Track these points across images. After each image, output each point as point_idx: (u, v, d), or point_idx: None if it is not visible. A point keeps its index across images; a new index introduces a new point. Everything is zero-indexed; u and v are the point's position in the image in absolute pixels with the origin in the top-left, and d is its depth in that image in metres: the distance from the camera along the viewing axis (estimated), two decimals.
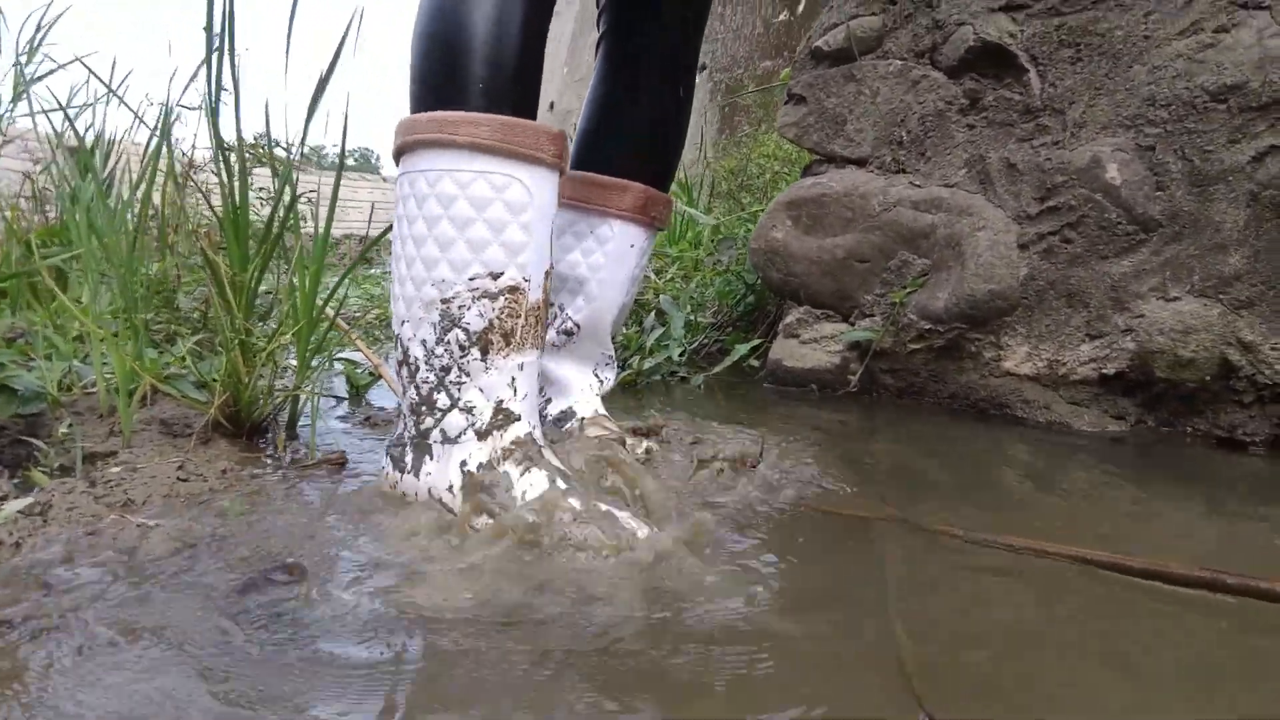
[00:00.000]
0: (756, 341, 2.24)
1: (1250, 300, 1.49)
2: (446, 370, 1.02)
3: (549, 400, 1.42)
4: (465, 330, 1.01)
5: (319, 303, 1.44)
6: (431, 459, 1.03)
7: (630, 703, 0.64)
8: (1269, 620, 0.82)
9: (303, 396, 1.46)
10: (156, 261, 1.80)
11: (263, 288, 1.57)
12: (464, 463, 1.00)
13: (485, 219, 1.00)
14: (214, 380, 1.33)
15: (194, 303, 1.85)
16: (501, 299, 1.02)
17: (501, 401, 1.03)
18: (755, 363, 2.25)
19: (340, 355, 2.03)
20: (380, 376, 1.86)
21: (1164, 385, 1.57)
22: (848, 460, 1.38)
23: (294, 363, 1.45)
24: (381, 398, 1.84)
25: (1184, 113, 1.56)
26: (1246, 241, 1.50)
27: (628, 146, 1.41)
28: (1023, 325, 1.73)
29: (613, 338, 1.47)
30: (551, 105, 8.83)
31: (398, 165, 1.06)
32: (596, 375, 1.46)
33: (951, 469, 1.38)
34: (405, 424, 1.06)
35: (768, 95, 4.45)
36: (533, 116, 1.05)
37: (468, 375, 1.02)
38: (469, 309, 1.01)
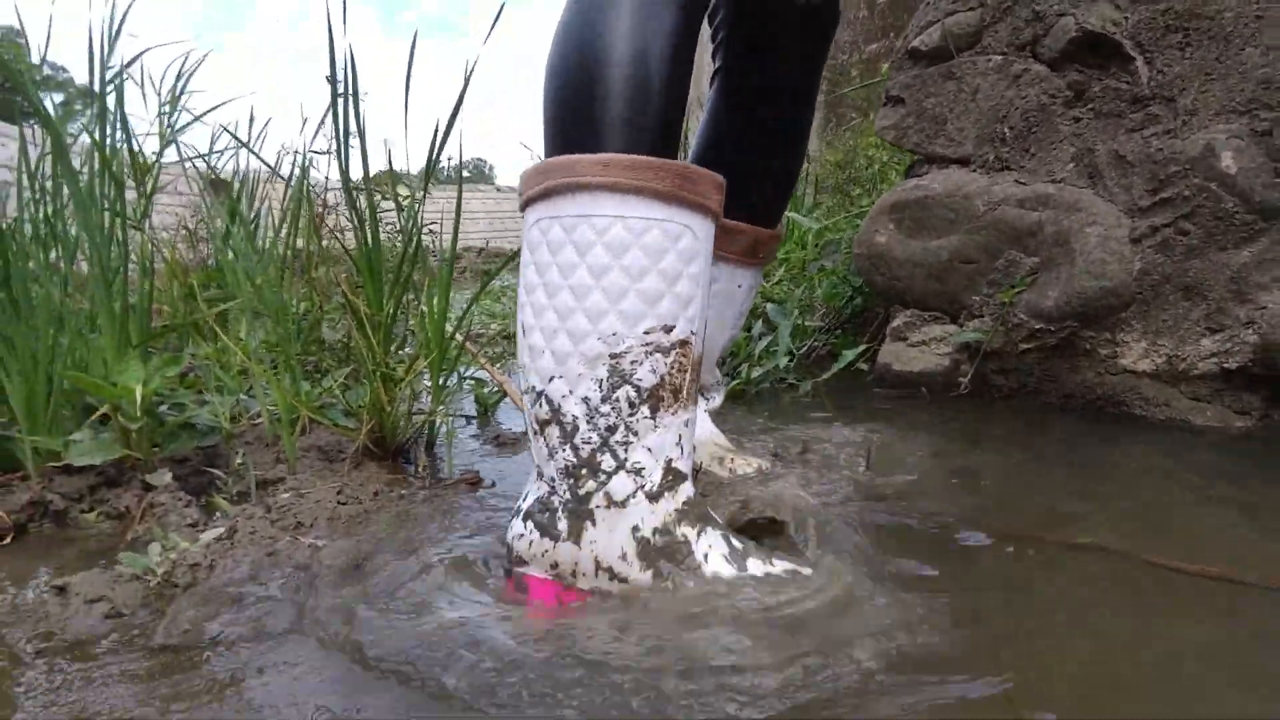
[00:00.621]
0: (864, 346, 2.26)
1: None
2: (612, 430, 0.94)
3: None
4: (636, 387, 0.94)
5: (448, 327, 1.58)
6: (594, 525, 0.94)
7: None
8: None
9: (438, 420, 1.60)
10: (303, 300, 1.99)
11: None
12: (636, 528, 0.93)
13: (660, 269, 0.93)
14: (360, 408, 1.48)
15: (336, 335, 2.04)
16: (674, 353, 0.95)
17: (670, 461, 0.96)
18: (864, 366, 2.28)
19: (469, 375, 2.19)
20: (506, 394, 2.00)
21: None
22: (957, 472, 1.41)
23: (429, 384, 1.60)
24: (507, 416, 1.97)
25: None
26: None
27: (742, 189, 1.31)
28: (1139, 321, 1.71)
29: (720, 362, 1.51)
30: None
31: (532, 208, 0.98)
32: (705, 397, 1.49)
33: (1081, 476, 1.38)
34: (554, 487, 0.97)
35: (874, 84, 4.40)
36: (677, 155, 1.01)
37: (635, 435, 0.95)
38: (641, 364, 0.94)
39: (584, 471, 0.95)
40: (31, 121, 1.70)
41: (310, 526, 1.15)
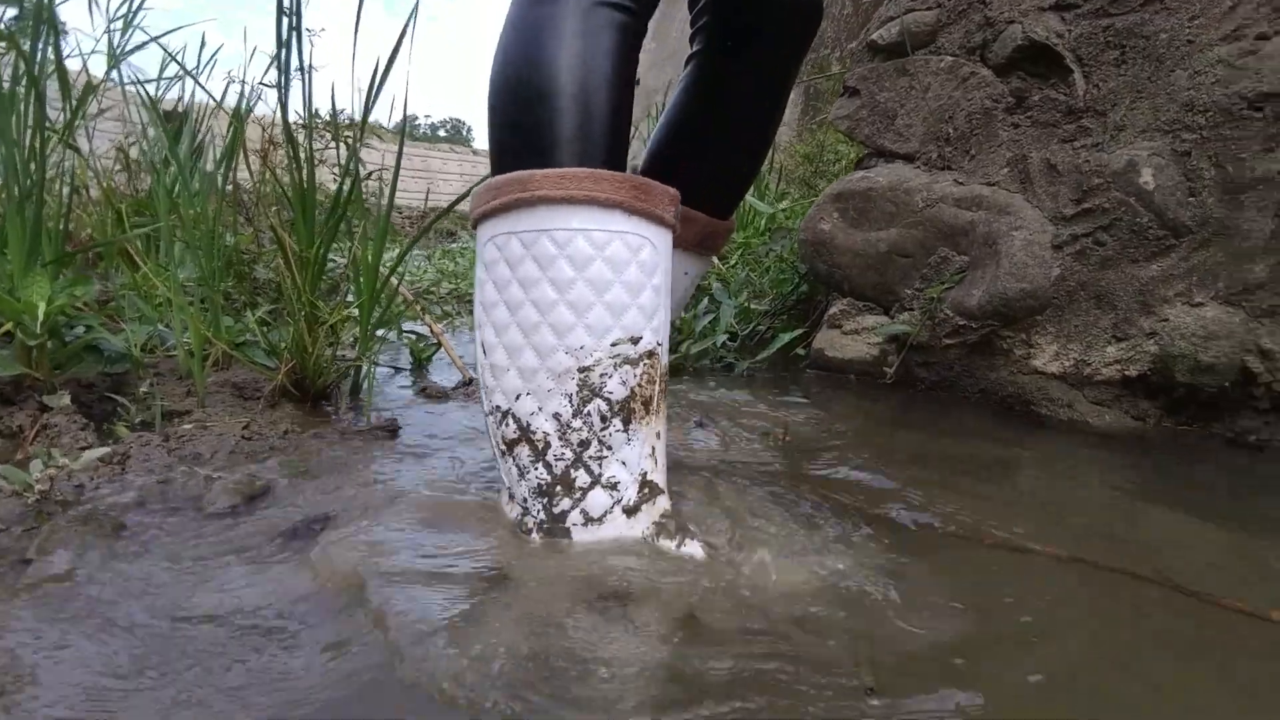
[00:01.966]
0: (800, 330, 2.31)
1: (1272, 309, 1.49)
2: (585, 445, 0.93)
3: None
4: (607, 400, 0.93)
5: (384, 276, 1.58)
6: (572, 544, 0.93)
7: None
8: None
9: (364, 366, 1.62)
10: (236, 235, 1.98)
11: (339, 258, 1.73)
12: (633, 530, 0.93)
13: (623, 281, 0.92)
14: (282, 348, 1.50)
15: (271, 274, 2.04)
16: (642, 364, 0.95)
17: (645, 474, 0.95)
18: (803, 351, 2.33)
19: (408, 329, 2.20)
20: (443, 349, 2.03)
21: (1184, 389, 1.58)
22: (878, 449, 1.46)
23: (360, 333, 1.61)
24: (440, 372, 1.99)
25: (1221, 119, 1.55)
26: (1273, 251, 1.49)
27: (704, 178, 1.33)
28: (1052, 324, 1.76)
29: None
30: (638, 82, 8.89)
31: (486, 224, 0.97)
32: None
33: (974, 463, 1.44)
34: (527, 508, 0.95)
35: (836, 76, 4.42)
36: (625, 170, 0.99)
37: (609, 449, 0.93)
38: (610, 376, 0.93)
39: (558, 489, 0.93)
40: None
41: (210, 458, 1.17)
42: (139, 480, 1.05)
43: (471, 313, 2.84)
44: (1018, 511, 1.16)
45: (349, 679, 0.67)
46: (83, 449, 1.07)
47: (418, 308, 1.96)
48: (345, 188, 1.50)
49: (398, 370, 1.94)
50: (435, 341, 2.02)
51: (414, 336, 2.08)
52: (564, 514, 0.92)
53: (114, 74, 1.77)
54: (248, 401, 1.41)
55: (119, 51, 1.77)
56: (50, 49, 1.35)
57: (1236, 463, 1.46)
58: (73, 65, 1.68)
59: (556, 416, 0.92)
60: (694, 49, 1.37)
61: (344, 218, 1.53)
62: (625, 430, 0.93)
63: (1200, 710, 0.69)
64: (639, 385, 0.94)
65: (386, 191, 1.60)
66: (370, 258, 1.53)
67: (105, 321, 1.31)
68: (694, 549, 0.91)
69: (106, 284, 1.40)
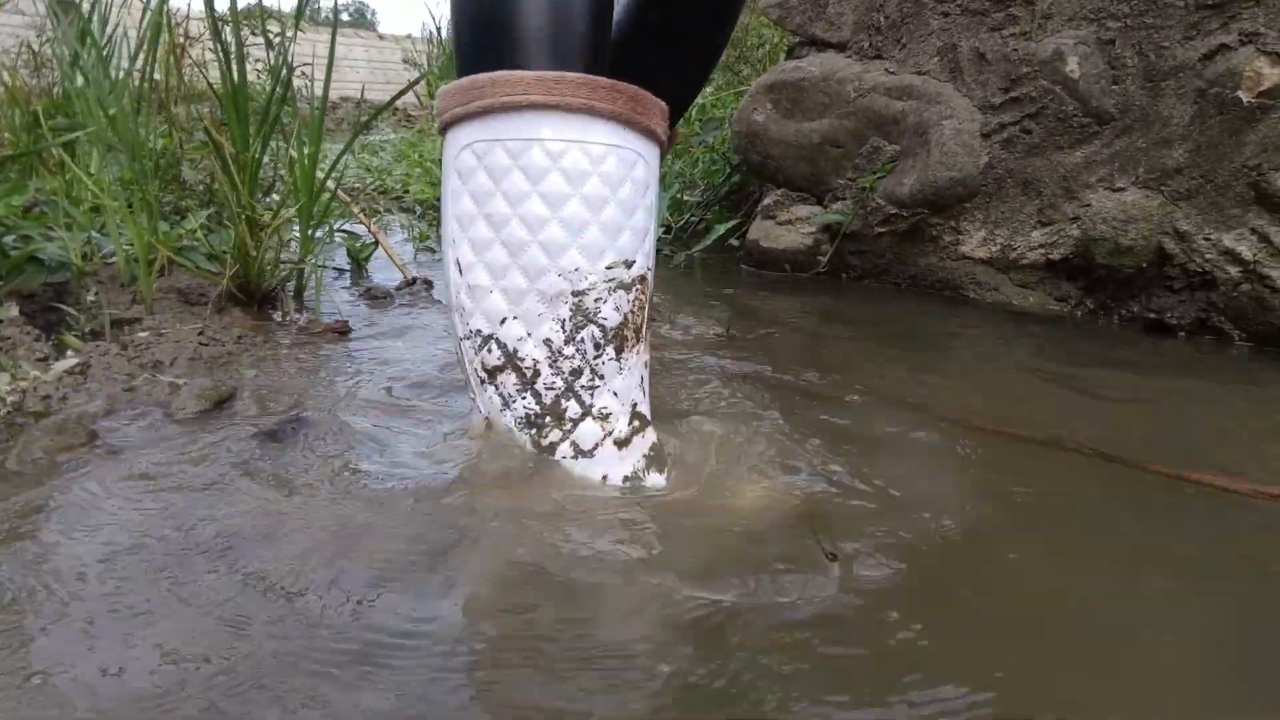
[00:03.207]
0: (735, 221, 2.34)
1: (1189, 192, 1.60)
2: (578, 374, 0.88)
3: None
4: (601, 326, 0.88)
5: (319, 176, 1.54)
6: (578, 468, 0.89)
7: None
8: None
9: (307, 269, 1.59)
10: (161, 136, 1.88)
11: (265, 159, 1.67)
12: (605, 478, 0.89)
13: (619, 200, 0.87)
14: (224, 253, 1.46)
15: (197, 175, 1.95)
16: (635, 289, 0.90)
17: (635, 405, 0.91)
18: (736, 243, 2.37)
19: (341, 227, 2.15)
20: (380, 247, 1.99)
21: (1103, 271, 1.70)
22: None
23: (299, 234, 1.57)
24: (380, 271, 1.96)
25: (1144, 7, 1.62)
26: (1190, 137, 1.59)
27: (657, 85, 1.24)
28: (980, 211, 1.84)
29: None
30: None
31: (459, 129, 0.89)
32: None
33: (905, 342, 1.52)
34: (516, 439, 0.90)
35: None
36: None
37: (601, 378, 0.89)
38: (605, 302, 0.88)
39: (548, 420, 0.89)
40: None
41: (170, 365, 1.15)
42: (105, 390, 1.03)
43: (402, 211, 2.78)
44: (954, 390, 1.25)
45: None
46: (41, 360, 1.04)
47: (353, 208, 1.91)
48: (278, 85, 1.43)
49: (340, 271, 1.90)
50: (372, 241, 1.98)
51: (349, 235, 2.04)
52: (553, 446, 0.89)
53: None
54: (194, 307, 1.38)
55: None
56: None
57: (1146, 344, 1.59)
58: None
59: (547, 343, 0.87)
60: None
61: (278, 118, 1.47)
62: (618, 359, 0.89)
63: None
64: (632, 311, 0.90)
65: (314, 88, 1.53)
66: (306, 159, 1.49)
67: (38, 229, 1.24)
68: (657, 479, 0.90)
69: (29, 191, 1.32)
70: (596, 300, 0.87)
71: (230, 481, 0.85)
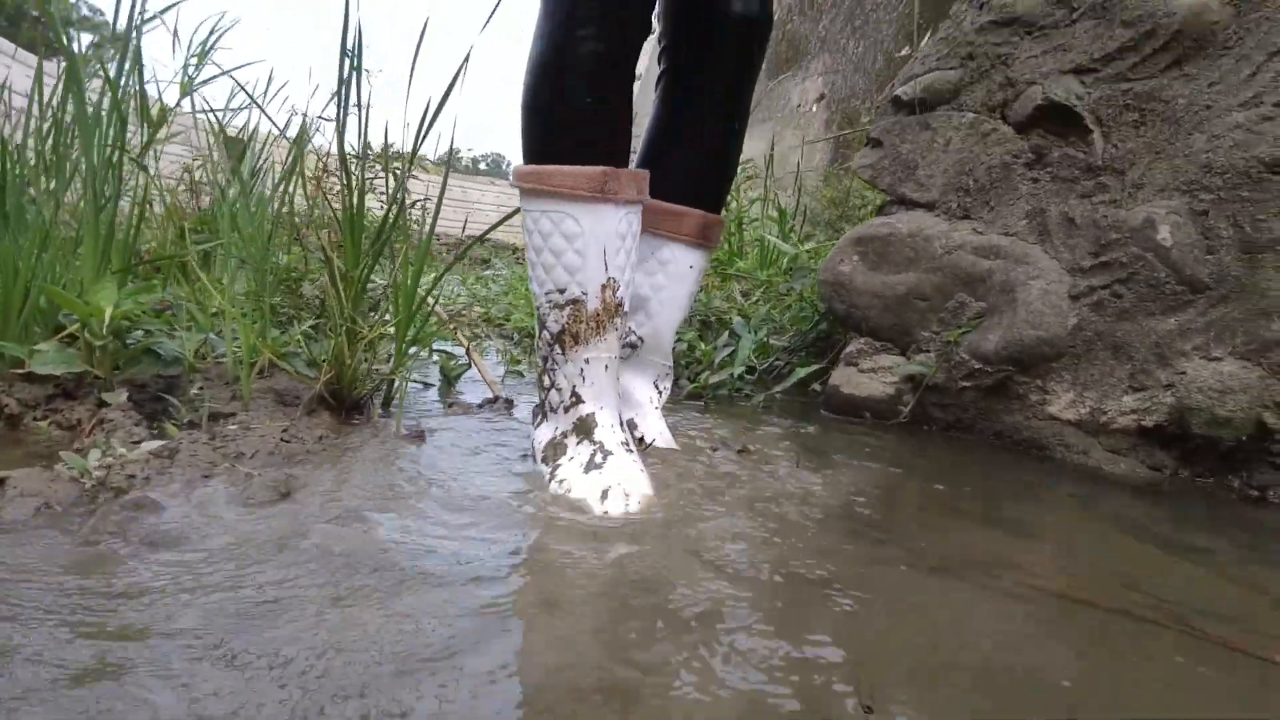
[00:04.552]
0: (817, 366, 2.35)
1: None
2: (545, 359, 1.34)
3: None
4: (550, 332, 1.32)
5: (420, 297, 1.65)
6: (544, 422, 1.38)
7: None
8: None
9: (397, 380, 1.68)
10: (286, 254, 2.06)
11: (380, 279, 1.80)
12: (556, 428, 1.33)
13: (549, 247, 1.28)
14: (322, 360, 1.56)
15: (316, 291, 2.11)
16: (568, 309, 1.29)
17: (574, 387, 1.31)
18: (819, 388, 2.37)
19: (440, 347, 2.27)
20: (474, 367, 2.08)
21: (1200, 440, 1.62)
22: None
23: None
24: (469, 388, 2.04)
25: (1239, 181, 1.61)
26: None
27: (688, 177, 1.55)
28: (1069, 372, 1.80)
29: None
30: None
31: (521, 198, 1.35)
32: (656, 387, 1.61)
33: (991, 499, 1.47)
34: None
35: (863, 130, 4.52)
36: (601, 157, 1.28)
37: (555, 365, 1.32)
38: (549, 316, 1.31)
39: (542, 383, 1.37)
40: (56, 57, 1.78)
41: (250, 457, 1.22)
42: (185, 474, 1.10)
43: (502, 338, 2.94)
44: (1041, 554, 1.19)
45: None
46: (136, 442, 1.12)
47: (451, 328, 2.02)
48: (391, 214, 1.57)
49: (427, 386, 1.99)
50: (466, 361, 2.07)
51: (445, 354, 2.14)
52: (543, 402, 1.38)
53: (185, 101, 1.87)
54: (287, 408, 1.46)
55: (193, 82, 1.87)
56: (135, 79, 1.43)
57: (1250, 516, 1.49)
58: (148, 91, 1.78)
59: (541, 329, 1.34)
60: (661, 67, 1.58)
61: (388, 242, 1.60)
62: (564, 353, 1.31)
63: None
64: (568, 323, 1.30)
65: (428, 220, 1.67)
66: (409, 280, 1.60)
67: (163, 328, 1.37)
68: (581, 451, 1.27)
69: (165, 293, 1.46)
70: (544, 314, 1.32)
71: (275, 570, 0.88)
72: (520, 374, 2.33)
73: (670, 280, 1.56)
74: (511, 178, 1.34)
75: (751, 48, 1.54)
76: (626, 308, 1.35)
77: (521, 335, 2.89)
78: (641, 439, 1.50)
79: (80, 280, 1.23)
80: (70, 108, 1.51)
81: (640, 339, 1.59)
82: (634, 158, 1.63)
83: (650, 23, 1.38)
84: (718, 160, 1.59)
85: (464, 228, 3.24)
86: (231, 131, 2.65)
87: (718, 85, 1.54)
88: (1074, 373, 1.80)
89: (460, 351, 2.20)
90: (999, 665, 0.81)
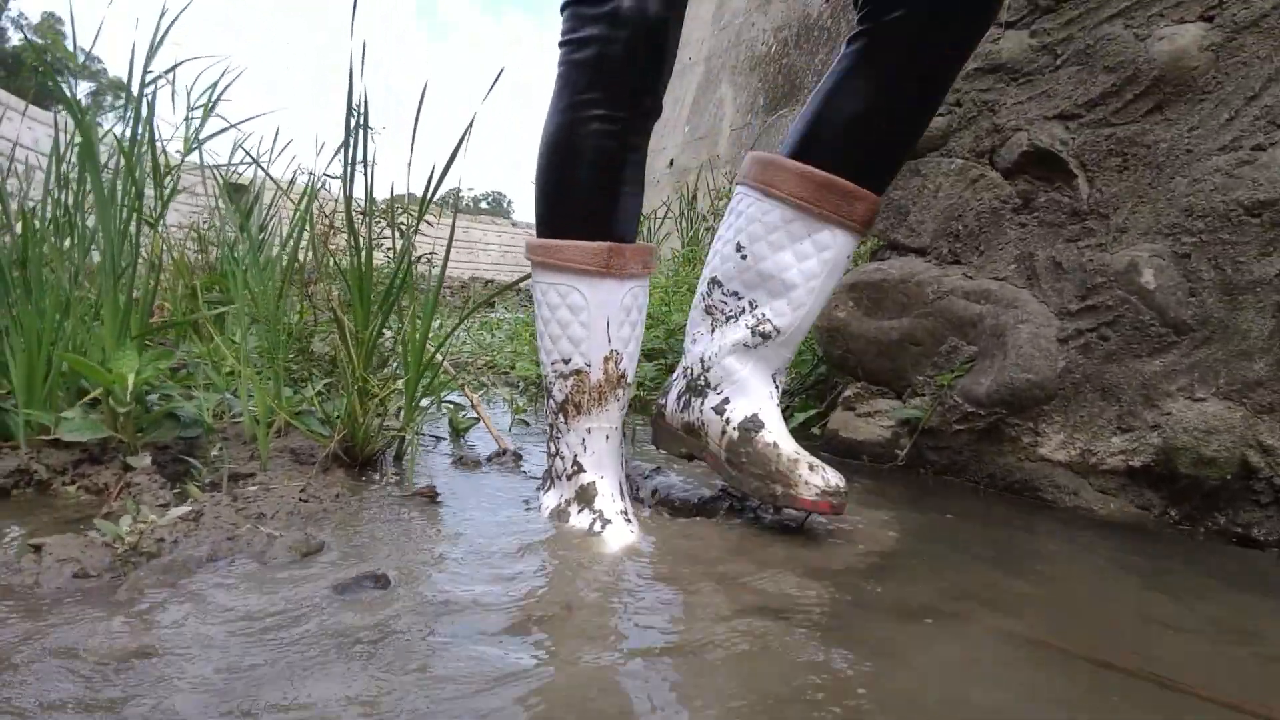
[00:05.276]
0: (815, 410, 2.40)
1: (1272, 405, 1.57)
2: (552, 426, 1.40)
3: (725, 399, 1.45)
4: (554, 400, 1.38)
5: (429, 351, 1.70)
6: (550, 487, 1.44)
7: None
8: None
9: (408, 436, 1.73)
10: (297, 312, 2.12)
11: (389, 330, 1.86)
12: (562, 495, 1.38)
13: (556, 319, 1.35)
14: (336, 418, 1.61)
15: (326, 348, 2.17)
16: (572, 379, 1.35)
17: (576, 456, 1.37)
18: (818, 431, 2.41)
19: (449, 399, 2.31)
20: (480, 420, 2.13)
21: (1187, 480, 1.66)
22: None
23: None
24: (478, 440, 2.09)
25: (1219, 224, 1.66)
26: (1271, 350, 1.58)
27: (868, 149, 1.36)
28: (1059, 414, 1.84)
29: None
30: (671, 162, 9.16)
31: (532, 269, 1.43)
32: (775, 382, 1.48)
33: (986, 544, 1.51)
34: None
35: None
36: (608, 233, 1.35)
37: (560, 433, 1.38)
38: (554, 385, 1.37)
39: (550, 448, 1.44)
40: (61, 109, 1.85)
41: (271, 518, 1.27)
42: (211, 536, 1.14)
43: (507, 386, 2.99)
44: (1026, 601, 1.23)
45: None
46: (162, 506, 1.17)
47: (459, 381, 2.07)
48: (399, 274, 1.62)
49: (438, 440, 2.04)
50: (474, 414, 2.12)
51: (453, 406, 2.19)
52: (550, 468, 1.44)
53: (191, 156, 1.93)
54: (303, 466, 1.51)
55: (198, 137, 1.94)
56: (146, 145, 1.51)
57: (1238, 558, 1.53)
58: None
59: (548, 396, 1.42)
60: (858, 26, 1.36)
61: (397, 300, 1.65)
62: (566, 423, 1.37)
63: None
64: (571, 393, 1.36)
65: (434, 269, 1.72)
66: (418, 337, 1.65)
67: (180, 390, 1.42)
68: (583, 519, 1.33)
69: (178, 352, 1.52)
70: (549, 383, 1.39)
71: (301, 628, 0.92)
72: (526, 423, 2.38)
73: (824, 270, 1.37)
74: (525, 251, 1.41)
75: (986, 19, 1.32)
76: (630, 379, 1.39)
77: (527, 384, 2.94)
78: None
79: (102, 347, 1.29)
80: (85, 170, 1.57)
81: (777, 330, 1.40)
82: (800, 108, 1.45)
83: (660, 106, 1.36)
84: (908, 138, 1.41)
85: (470, 275, 3.30)
86: (237, 178, 2.73)
87: (921, 64, 1.32)
88: (1064, 414, 1.84)
89: (468, 402, 2.25)
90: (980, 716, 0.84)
